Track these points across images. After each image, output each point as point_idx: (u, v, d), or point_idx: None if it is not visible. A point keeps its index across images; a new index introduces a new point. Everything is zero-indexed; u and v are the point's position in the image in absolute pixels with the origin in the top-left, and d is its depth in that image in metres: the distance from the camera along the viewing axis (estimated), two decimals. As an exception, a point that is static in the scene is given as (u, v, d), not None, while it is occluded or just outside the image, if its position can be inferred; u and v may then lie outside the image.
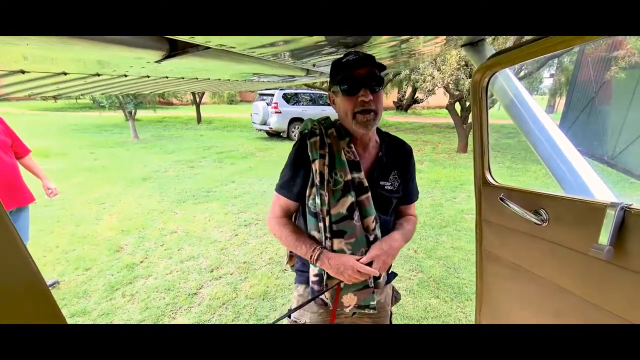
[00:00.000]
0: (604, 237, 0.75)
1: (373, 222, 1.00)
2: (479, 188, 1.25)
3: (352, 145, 1.01)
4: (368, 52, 1.20)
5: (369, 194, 0.99)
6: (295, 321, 1.13)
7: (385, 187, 1.04)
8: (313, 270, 1.04)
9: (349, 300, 1.04)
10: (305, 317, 1.11)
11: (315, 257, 0.99)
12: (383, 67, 0.96)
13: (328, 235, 0.99)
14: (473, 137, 1.25)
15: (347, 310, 1.06)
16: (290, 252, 1.18)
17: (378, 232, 1.02)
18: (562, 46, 0.84)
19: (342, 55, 0.96)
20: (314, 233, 1.02)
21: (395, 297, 1.23)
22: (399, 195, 1.08)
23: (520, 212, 1.02)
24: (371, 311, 1.06)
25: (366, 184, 0.99)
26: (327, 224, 0.98)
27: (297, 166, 1.02)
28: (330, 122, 1.06)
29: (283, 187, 1.06)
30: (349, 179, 0.98)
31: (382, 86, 0.96)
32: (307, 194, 1.01)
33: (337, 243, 0.99)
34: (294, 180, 1.03)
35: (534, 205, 1.00)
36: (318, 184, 0.97)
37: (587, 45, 8.78)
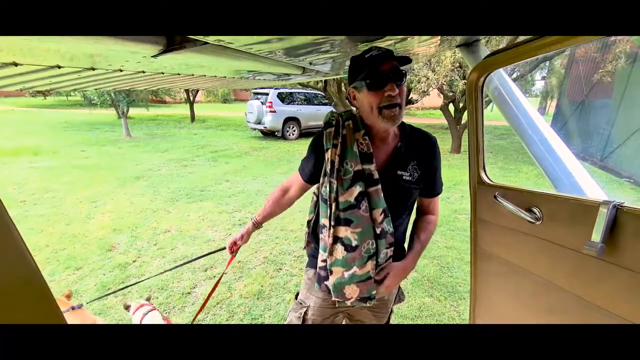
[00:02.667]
0: (597, 234, 0.76)
1: (381, 214, 1.00)
2: (474, 187, 1.27)
3: (366, 137, 1.02)
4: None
5: (379, 186, 1.00)
6: (301, 303, 1.20)
7: (404, 177, 1.03)
8: (321, 256, 1.09)
9: (352, 292, 1.05)
10: (311, 300, 1.18)
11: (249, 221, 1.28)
12: (407, 61, 0.95)
13: (332, 223, 1.03)
14: (468, 137, 1.26)
15: (349, 302, 1.08)
16: (307, 237, 1.25)
17: (386, 225, 1.02)
18: (557, 46, 0.85)
19: (362, 52, 0.96)
20: (324, 221, 1.07)
21: (400, 298, 1.25)
22: (418, 187, 1.07)
23: (514, 211, 1.04)
24: (372, 302, 1.08)
25: (377, 176, 1.00)
26: (332, 210, 1.02)
27: (312, 152, 1.10)
28: (349, 114, 1.07)
29: (301, 166, 1.17)
30: (359, 169, 1.00)
31: (405, 80, 0.96)
32: (321, 181, 1.07)
33: (343, 231, 1.03)
34: (307, 163, 1.13)
35: (529, 203, 1.02)
36: (329, 172, 1.02)
37: (577, 47, 8.93)
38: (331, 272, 1.06)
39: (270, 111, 9.55)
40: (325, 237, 1.06)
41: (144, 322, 1.87)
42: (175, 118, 14.74)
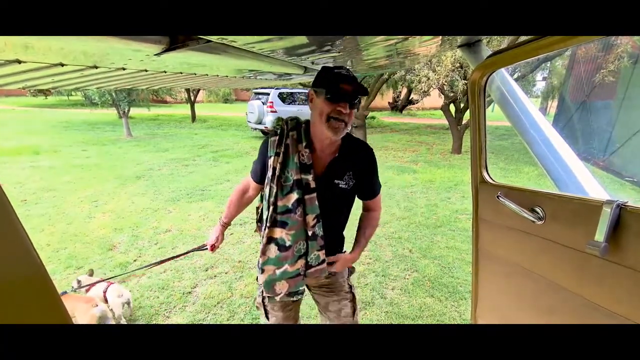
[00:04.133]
0: (600, 234, 0.76)
1: (314, 219, 1.11)
2: (476, 186, 1.26)
3: (307, 149, 1.11)
4: (364, 52, 1.26)
5: (315, 194, 1.11)
6: (257, 281, 1.31)
7: (340, 186, 1.14)
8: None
9: (281, 287, 1.15)
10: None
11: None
12: (365, 92, 1.06)
13: (268, 224, 1.13)
14: (471, 136, 1.26)
15: (277, 298, 1.18)
16: (257, 223, 1.37)
17: (317, 230, 1.12)
18: (559, 46, 0.85)
19: (334, 67, 1.06)
20: (264, 219, 1.17)
21: (350, 272, 1.35)
22: (354, 194, 1.19)
23: (517, 210, 1.03)
24: (299, 297, 1.23)
25: (313, 185, 1.10)
26: (270, 212, 1.12)
27: (259, 157, 1.21)
28: (294, 124, 1.16)
29: (252, 169, 1.28)
30: (298, 178, 1.10)
31: (356, 105, 1.07)
32: (265, 183, 1.16)
33: (279, 232, 1.13)
34: (256, 166, 1.24)
35: (531, 203, 1.01)
36: (270, 177, 1.12)
37: (578, 48, 8.92)
38: (262, 271, 1.16)
39: (271, 111, 9.54)
40: (261, 238, 1.17)
41: (108, 297, 2.03)
42: (176, 118, 14.75)
